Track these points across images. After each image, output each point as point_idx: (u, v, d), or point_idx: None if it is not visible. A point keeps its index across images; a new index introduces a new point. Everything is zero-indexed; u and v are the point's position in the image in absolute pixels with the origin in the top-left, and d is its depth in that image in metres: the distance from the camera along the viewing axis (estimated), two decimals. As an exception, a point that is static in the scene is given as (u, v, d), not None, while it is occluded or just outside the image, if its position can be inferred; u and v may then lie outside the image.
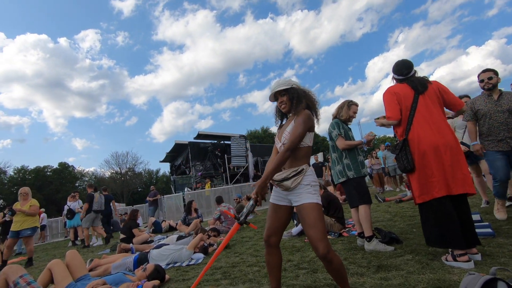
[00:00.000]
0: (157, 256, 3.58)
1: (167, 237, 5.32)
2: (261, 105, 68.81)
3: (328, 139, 3.27)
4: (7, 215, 6.82)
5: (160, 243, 4.65)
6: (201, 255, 3.71)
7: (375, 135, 3.11)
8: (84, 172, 44.79)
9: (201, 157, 15.27)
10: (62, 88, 53.56)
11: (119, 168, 40.67)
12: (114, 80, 59.65)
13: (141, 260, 3.45)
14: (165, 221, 8.51)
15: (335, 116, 3.25)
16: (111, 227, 9.88)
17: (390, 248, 2.70)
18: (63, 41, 55.76)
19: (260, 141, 37.62)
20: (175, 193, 13.56)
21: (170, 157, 17.97)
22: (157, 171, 48.33)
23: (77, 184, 41.86)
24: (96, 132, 62.87)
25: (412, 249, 2.60)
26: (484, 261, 2.07)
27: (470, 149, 3.45)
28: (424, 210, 2.28)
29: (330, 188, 7.05)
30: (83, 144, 62.06)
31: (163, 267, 3.00)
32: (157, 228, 7.94)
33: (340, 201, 5.95)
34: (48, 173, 40.04)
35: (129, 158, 41.41)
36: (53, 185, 38.02)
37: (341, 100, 3.30)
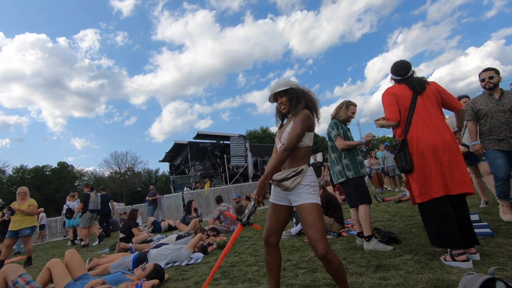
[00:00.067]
0: (156, 255, 3.59)
1: (166, 236, 5.32)
2: (260, 105, 68.96)
3: (327, 139, 3.28)
4: (6, 214, 6.81)
5: (159, 242, 4.66)
6: (200, 255, 3.71)
7: (374, 136, 3.12)
8: (83, 171, 44.88)
9: (200, 157, 15.26)
10: (61, 87, 53.66)
11: (118, 168, 40.77)
12: (113, 80, 59.77)
13: (140, 259, 3.45)
14: (164, 220, 8.51)
15: (333, 117, 3.26)
16: (110, 227, 9.91)
17: (389, 248, 2.71)
18: (62, 40, 55.96)
19: (260, 141, 37.65)
20: (175, 192, 13.56)
21: (170, 157, 17.97)
22: (156, 171, 48.49)
23: (76, 184, 41.79)
24: (95, 132, 63.00)
25: (411, 249, 2.60)
26: (483, 261, 2.07)
27: (470, 149, 3.42)
28: (423, 210, 2.29)
29: (330, 188, 7.05)
30: (82, 144, 62.15)
31: (162, 266, 3.00)
32: (156, 228, 7.94)
33: (340, 201, 5.96)
34: (47, 173, 39.99)
35: (128, 157, 41.58)
36: (52, 185, 37.97)
37: (340, 101, 3.31)
